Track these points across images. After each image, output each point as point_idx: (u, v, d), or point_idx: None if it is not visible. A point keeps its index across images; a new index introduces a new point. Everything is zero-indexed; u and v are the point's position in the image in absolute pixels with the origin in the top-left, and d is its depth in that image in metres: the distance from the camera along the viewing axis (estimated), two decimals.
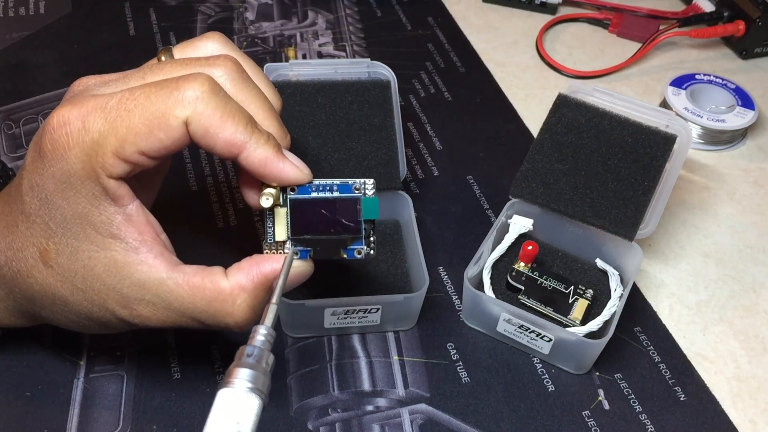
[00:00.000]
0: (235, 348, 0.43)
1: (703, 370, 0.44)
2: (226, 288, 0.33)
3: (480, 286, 0.45)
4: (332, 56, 0.64)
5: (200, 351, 0.43)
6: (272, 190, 0.34)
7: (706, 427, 0.42)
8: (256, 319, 0.34)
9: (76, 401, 0.40)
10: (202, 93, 0.31)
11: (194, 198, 0.52)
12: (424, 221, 0.51)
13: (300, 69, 0.49)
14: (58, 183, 0.32)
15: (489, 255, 0.46)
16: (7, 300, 0.36)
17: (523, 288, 0.45)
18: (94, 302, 0.34)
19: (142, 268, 0.33)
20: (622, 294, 0.44)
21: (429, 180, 0.54)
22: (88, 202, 0.32)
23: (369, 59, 0.51)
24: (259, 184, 0.35)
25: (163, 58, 0.36)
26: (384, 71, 0.50)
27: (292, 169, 0.34)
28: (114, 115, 0.31)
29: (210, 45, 0.36)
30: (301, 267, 0.35)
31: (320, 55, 0.64)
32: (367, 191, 0.35)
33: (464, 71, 0.63)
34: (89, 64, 0.61)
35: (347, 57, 0.64)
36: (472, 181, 0.54)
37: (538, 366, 0.44)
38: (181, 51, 0.36)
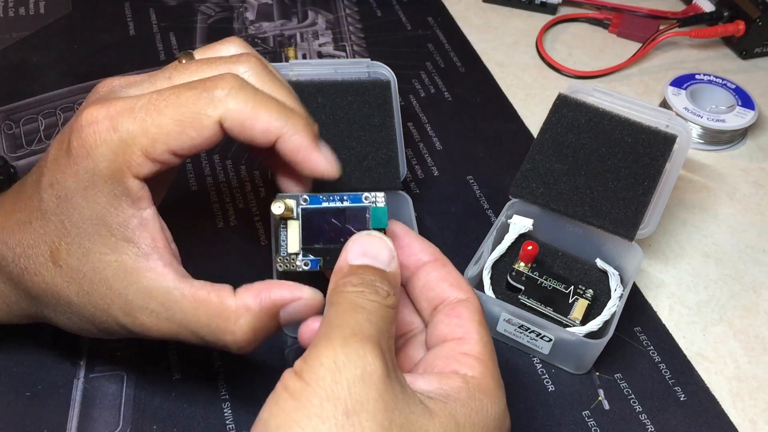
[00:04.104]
0: None
1: (703, 370, 0.44)
2: (232, 306, 0.33)
3: (480, 286, 0.45)
4: (332, 56, 0.64)
5: (200, 351, 0.43)
6: (286, 200, 0.35)
7: (706, 427, 0.42)
8: (257, 343, 0.34)
9: (76, 401, 0.40)
10: (230, 90, 0.32)
11: (194, 198, 0.52)
12: (424, 221, 0.51)
13: (300, 69, 0.49)
14: (80, 181, 0.32)
15: (489, 255, 0.46)
16: (10, 296, 0.36)
17: (523, 288, 0.45)
18: (98, 306, 0.34)
19: (150, 275, 0.33)
20: (622, 294, 0.44)
21: (429, 180, 0.54)
22: (108, 203, 0.32)
23: (369, 59, 0.51)
24: (293, 172, 0.35)
25: (183, 61, 0.36)
26: (384, 71, 0.50)
27: (323, 161, 0.34)
28: (143, 115, 0.32)
29: (231, 48, 0.37)
30: (313, 300, 0.34)
31: (320, 55, 0.64)
32: (377, 203, 0.35)
33: (464, 71, 0.63)
34: (89, 64, 0.61)
35: (347, 57, 0.64)
36: (472, 181, 0.54)
37: (538, 366, 0.44)
38: (201, 54, 0.37)
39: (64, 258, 0.33)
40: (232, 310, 0.33)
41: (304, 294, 0.33)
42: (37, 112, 0.57)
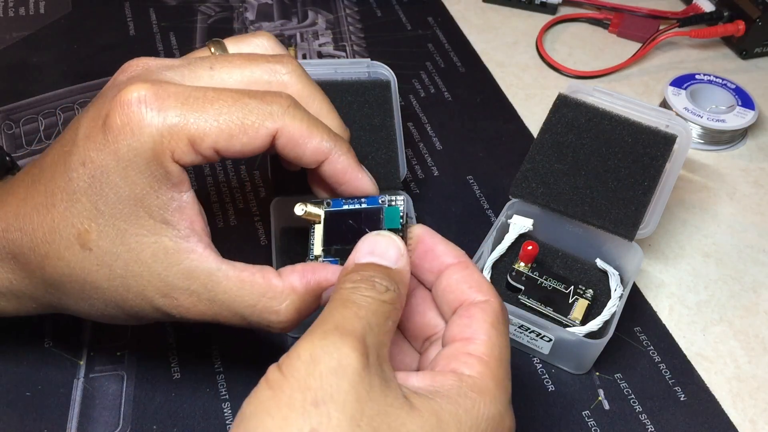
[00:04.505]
0: (235, 348, 0.43)
1: (703, 370, 0.44)
2: (278, 286, 0.33)
3: None
4: (332, 56, 0.64)
5: (200, 351, 0.43)
6: (308, 204, 0.36)
7: (706, 427, 0.42)
8: (299, 323, 0.34)
9: (76, 401, 0.40)
10: (288, 107, 0.33)
11: None
12: (424, 221, 0.51)
13: None
14: (120, 160, 0.32)
15: (489, 255, 0.46)
16: (21, 286, 0.35)
17: (523, 288, 0.45)
18: (132, 289, 0.33)
19: (192, 256, 0.33)
20: (622, 294, 0.44)
21: (429, 180, 0.54)
22: (148, 184, 0.32)
23: (369, 59, 0.51)
24: (324, 183, 0.37)
25: (212, 50, 0.37)
26: (384, 71, 0.50)
27: (367, 180, 0.36)
28: (198, 107, 0.32)
29: (264, 42, 0.38)
30: None
31: (320, 55, 0.64)
32: (395, 203, 0.36)
33: (464, 71, 0.63)
34: (89, 64, 0.61)
35: (347, 57, 0.64)
36: (472, 181, 0.54)
37: (538, 366, 0.44)
38: (234, 45, 0.38)
39: (94, 240, 0.32)
40: (279, 290, 0.33)
41: None
42: (37, 112, 0.57)
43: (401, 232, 0.36)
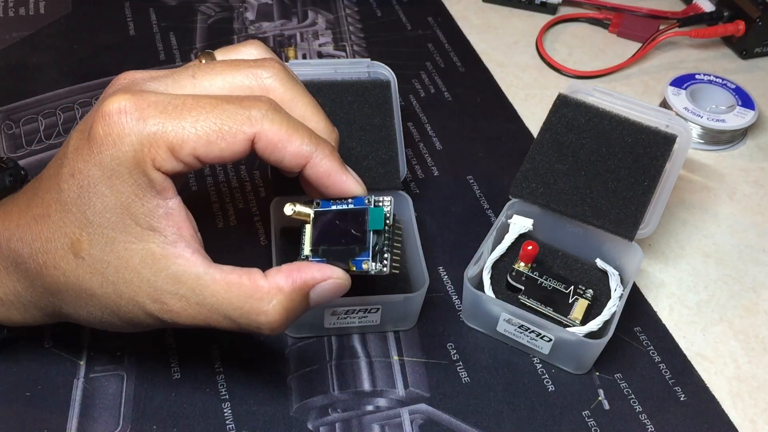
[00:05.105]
0: (235, 349, 0.43)
1: (703, 370, 0.44)
2: (264, 287, 0.34)
3: (480, 286, 0.45)
4: (332, 56, 0.64)
5: (200, 351, 0.43)
6: (298, 204, 0.36)
7: (706, 427, 0.42)
8: (288, 324, 0.35)
9: (76, 401, 0.40)
10: (266, 111, 0.33)
11: (194, 198, 0.52)
12: (424, 221, 0.51)
13: (300, 69, 0.49)
14: (104, 170, 0.32)
15: (489, 255, 0.46)
16: (26, 294, 0.36)
17: (523, 288, 0.45)
18: (124, 295, 0.34)
19: (179, 261, 0.33)
20: (622, 294, 0.44)
21: (429, 180, 0.54)
22: (132, 192, 0.33)
23: (369, 59, 0.51)
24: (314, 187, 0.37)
25: (203, 61, 0.37)
26: (384, 71, 0.50)
27: (353, 182, 0.36)
28: (176, 115, 0.32)
29: (252, 51, 0.38)
30: (342, 280, 0.35)
31: (320, 55, 0.64)
32: (381, 204, 0.36)
33: (464, 71, 0.63)
34: (89, 64, 0.61)
35: (347, 57, 0.64)
36: (472, 181, 0.54)
37: (538, 366, 0.44)
38: (223, 54, 0.38)
39: (86, 249, 0.33)
40: (265, 291, 0.33)
41: (334, 274, 0.35)
42: (37, 112, 0.57)
43: (386, 232, 0.36)
